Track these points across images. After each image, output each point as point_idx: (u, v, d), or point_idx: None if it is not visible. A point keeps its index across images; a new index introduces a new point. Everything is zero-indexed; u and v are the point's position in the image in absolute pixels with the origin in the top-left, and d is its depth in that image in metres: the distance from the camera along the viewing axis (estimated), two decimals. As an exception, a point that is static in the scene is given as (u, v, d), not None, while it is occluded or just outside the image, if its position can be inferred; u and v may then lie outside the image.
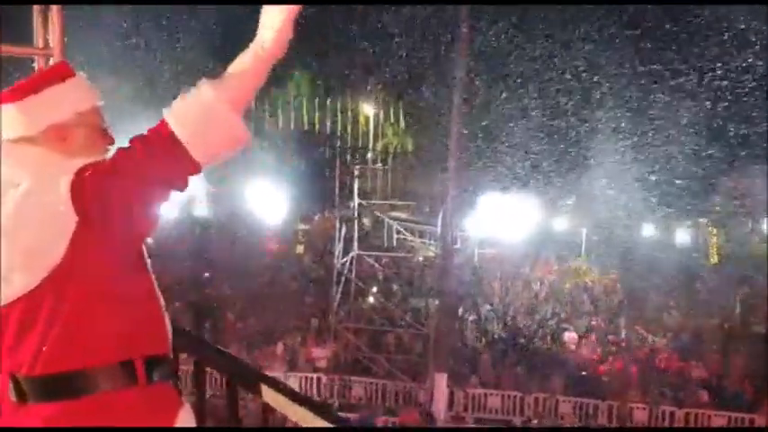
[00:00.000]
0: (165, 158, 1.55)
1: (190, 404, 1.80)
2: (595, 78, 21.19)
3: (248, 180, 21.30)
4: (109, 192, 1.52)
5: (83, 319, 1.56)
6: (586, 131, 21.83)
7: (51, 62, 2.95)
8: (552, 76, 22.12)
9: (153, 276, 1.73)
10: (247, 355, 14.94)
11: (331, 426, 1.73)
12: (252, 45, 1.63)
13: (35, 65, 3.11)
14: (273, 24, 1.60)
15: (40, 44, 3.00)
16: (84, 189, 1.52)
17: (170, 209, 21.73)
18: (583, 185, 21.37)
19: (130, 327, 1.62)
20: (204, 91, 1.58)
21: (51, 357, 1.55)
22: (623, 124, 21.01)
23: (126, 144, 1.58)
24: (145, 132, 1.59)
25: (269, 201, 20.71)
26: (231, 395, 2.08)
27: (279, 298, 17.98)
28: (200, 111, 1.57)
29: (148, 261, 1.73)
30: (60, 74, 1.71)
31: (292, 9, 1.61)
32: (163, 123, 1.57)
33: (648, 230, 21.77)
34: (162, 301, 1.74)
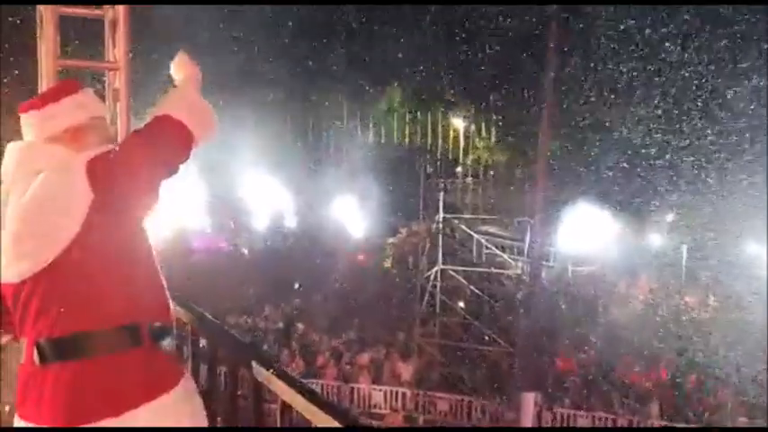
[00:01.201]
0: (163, 134, 1.87)
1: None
2: (697, 90, 20.19)
3: (337, 193, 21.71)
4: (118, 170, 1.80)
5: (94, 287, 1.79)
6: (683, 145, 20.80)
7: (118, 76, 3.15)
8: (649, 88, 21.29)
9: (154, 252, 1.96)
10: (335, 366, 15.15)
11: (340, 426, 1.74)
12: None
13: (105, 78, 3.32)
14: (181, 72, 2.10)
15: (110, 58, 3.20)
16: (99, 169, 1.78)
17: (261, 220, 22.59)
18: (683, 200, 20.33)
19: (135, 294, 1.85)
20: (178, 87, 2.04)
21: (67, 321, 1.77)
22: (725, 137, 19.86)
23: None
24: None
25: (357, 214, 21.00)
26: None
27: (365, 311, 18.14)
28: (178, 96, 1.98)
29: (148, 238, 1.95)
30: (74, 87, 2.03)
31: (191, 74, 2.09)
32: (154, 115, 1.91)
33: (752, 249, 20.38)
34: (162, 275, 1.96)
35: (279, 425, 2.01)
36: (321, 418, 1.76)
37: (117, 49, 3.10)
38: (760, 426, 12.70)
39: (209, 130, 1.99)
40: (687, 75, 20.68)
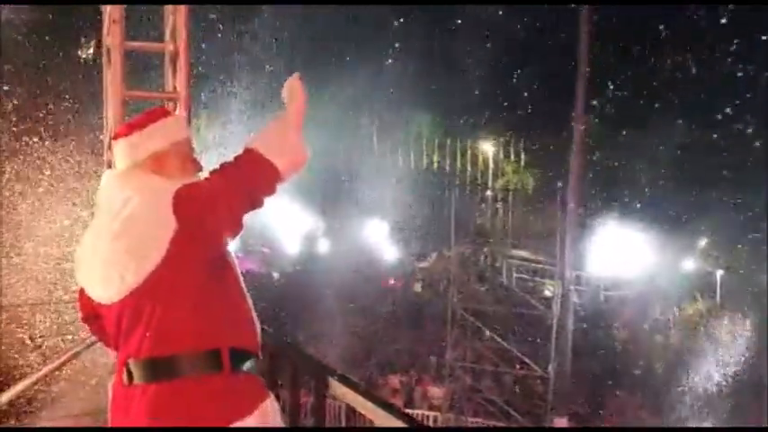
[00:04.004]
0: (251, 172, 1.90)
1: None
2: (728, 111, 20.06)
3: (367, 217, 21.90)
4: (204, 201, 1.84)
5: (177, 312, 1.85)
6: (718, 166, 20.62)
7: (178, 106, 3.38)
8: (682, 110, 21.22)
9: (241, 278, 2.02)
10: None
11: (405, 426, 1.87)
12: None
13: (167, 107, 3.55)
14: (290, 118, 2.04)
15: (171, 89, 3.43)
16: (183, 199, 1.83)
17: (292, 244, 22.84)
18: (716, 225, 20.09)
19: (218, 319, 1.89)
20: (275, 122, 2.02)
21: (152, 344, 1.84)
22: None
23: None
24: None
25: (387, 238, 21.13)
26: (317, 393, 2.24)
27: (396, 334, 18.20)
28: (274, 129, 2.00)
29: (236, 264, 2.02)
30: (161, 113, 2.13)
31: (298, 105, 2.04)
32: (246, 148, 1.95)
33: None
34: (249, 301, 2.01)
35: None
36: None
37: (177, 81, 3.35)
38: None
39: (299, 170, 2.00)
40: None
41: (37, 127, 7.56)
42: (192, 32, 3.31)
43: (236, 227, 1.88)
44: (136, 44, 3.46)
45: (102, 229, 1.92)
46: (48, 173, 7.35)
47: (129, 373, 1.88)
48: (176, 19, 3.28)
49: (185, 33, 3.26)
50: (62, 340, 6.68)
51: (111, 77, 3.33)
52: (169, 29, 3.38)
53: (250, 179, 1.89)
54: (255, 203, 1.90)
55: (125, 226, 1.86)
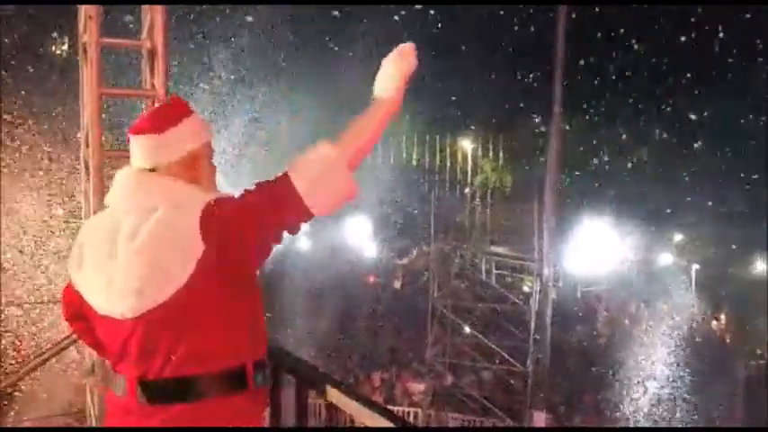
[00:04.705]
0: (283, 207, 1.76)
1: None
2: (703, 111, 20.37)
3: (348, 215, 21.87)
4: (232, 229, 1.71)
5: (204, 333, 1.74)
6: (688, 163, 20.94)
7: (156, 104, 3.35)
8: (652, 108, 21.50)
9: (260, 291, 1.91)
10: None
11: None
12: (372, 106, 1.90)
13: (143, 106, 3.53)
14: (391, 85, 1.89)
15: (149, 87, 3.41)
16: (212, 223, 1.70)
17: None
18: (690, 219, 20.41)
19: (243, 337, 1.82)
20: (326, 152, 1.83)
21: (177, 365, 1.72)
22: (729, 155, 20.00)
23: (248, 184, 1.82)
24: (269, 179, 1.81)
25: (367, 235, 21.14)
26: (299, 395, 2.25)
27: (376, 331, 18.25)
28: (320, 169, 1.80)
29: (258, 277, 1.90)
30: (186, 107, 1.91)
31: (408, 68, 1.90)
32: (286, 176, 1.79)
33: (761, 267, 20.42)
34: (263, 310, 1.93)
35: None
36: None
37: (156, 79, 3.32)
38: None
39: (337, 202, 1.84)
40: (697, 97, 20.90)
41: (12, 123, 7.46)
42: (169, 29, 3.29)
43: (263, 256, 1.79)
44: (113, 41, 3.43)
45: (122, 238, 1.74)
46: (24, 168, 7.26)
47: (146, 392, 1.75)
48: (153, 16, 3.26)
49: (163, 31, 3.24)
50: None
51: (88, 74, 3.29)
52: (146, 26, 3.36)
53: (280, 216, 1.77)
54: (280, 239, 1.80)
55: (150, 240, 1.71)
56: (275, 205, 1.75)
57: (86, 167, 3.37)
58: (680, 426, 13.76)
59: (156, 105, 1.99)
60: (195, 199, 1.75)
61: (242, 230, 1.72)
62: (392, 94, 1.89)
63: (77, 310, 1.89)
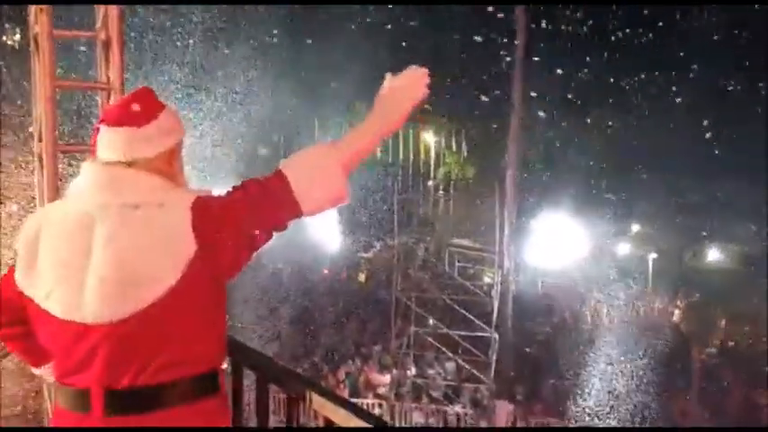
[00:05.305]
0: (275, 204, 1.72)
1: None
2: (654, 99, 20.84)
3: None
4: (227, 228, 1.65)
5: (186, 337, 1.66)
6: (650, 154, 21.39)
7: (112, 96, 3.28)
8: (611, 98, 21.90)
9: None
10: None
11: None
12: (371, 117, 1.83)
13: (98, 98, 3.45)
14: (400, 110, 1.83)
15: (104, 79, 3.34)
16: (206, 222, 1.63)
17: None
18: (648, 210, 20.89)
19: (218, 341, 1.76)
20: (322, 151, 1.78)
21: (155, 370, 1.62)
22: (687, 146, 20.51)
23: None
24: (259, 177, 1.75)
25: (330, 229, 21.09)
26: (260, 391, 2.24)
27: (341, 325, 18.25)
28: (315, 168, 1.75)
29: None
30: (160, 101, 1.80)
31: (419, 97, 1.84)
32: (279, 173, 1.74)
33: (714, 256, 21.06)
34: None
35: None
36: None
37: (111, 70, 3.25)
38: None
39: (328, 203, 1.80)
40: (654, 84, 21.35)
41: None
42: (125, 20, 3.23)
43: (250, 255, 1.73)
44: (66, 32, 3.35)
45: (100, 236, 1.61)
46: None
47: (114, 403, 1.62)
48: (108, 6, 3.19)
49: (118, 21, 3.17)
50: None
51: (40, 66, 3.20)
52: (101, 16, 3.29)
53: (273, 212, 1.73)
54: (271, 236, 1.76)
55: (136, 240, 1.61)
56: (268, 202, 1.71)
57: (40, 161, 3.28)
58: (665, 426, 14.06)
59: (128, 96, 1.84)
60: (180, 197, 1.67)
61: (236, 229, 1.67)
62: (396, 119, 1.83)
63: (17, 314, 1.71)
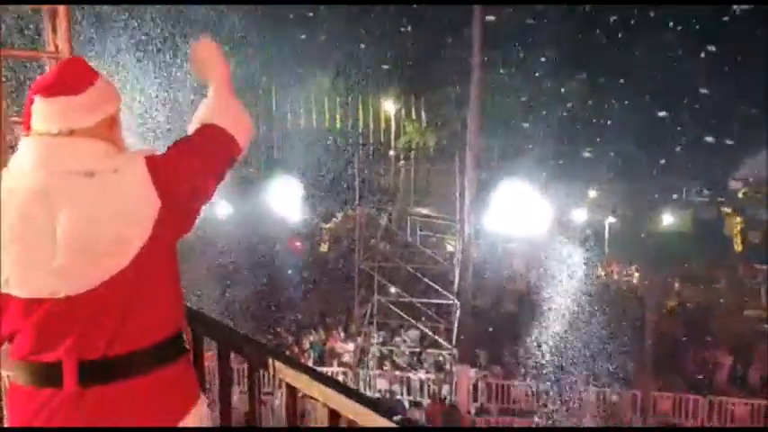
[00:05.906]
0: (218, 146, 1.83)
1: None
2: (616, 69, 21.08)
3: (270, 179, 21.59)
4: (182, 178, 1.70)
5: (156, 301, 1.68)
6: (606, 121, 21.73)
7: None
8: (574, 68, 22.08)
9: None
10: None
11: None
12: (211, 86, 1.96)
13: (47, 68, 3.34)
14: (210, 67, 1.97)
15: (51, 48, 3.23)
16: (164, 177, 1.65)
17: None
18: (604, 176, 21.29)
19: (180, 302, 1.80)
20: (223, 97, 1.93)
21: (126, 338, 1.62)
22: (641, 112, 20.90)
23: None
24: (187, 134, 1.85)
25: (292, 200, 20.98)
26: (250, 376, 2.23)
27: (303, 295, 18.28)
28: (231, 108, 1.91)
29: None
30: (93, 69, 1.77)
31: (201, 54, 1.97)
32: (208, 125, 1.85)
33: (668, 220, 21.66)
34: None
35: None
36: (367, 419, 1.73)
37: (59, 39, 3.15)
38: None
39: (249, 137, 1.93)
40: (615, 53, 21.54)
41: None
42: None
43: (207, 201, 1.80)
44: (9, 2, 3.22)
45: (60, 207, 1.56)
46: None
47: (87, 375, 1.60)
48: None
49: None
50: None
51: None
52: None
53: (218, 154, 1.82)
54: (222, 178, 1.83)
55: (99, 209, 1.58)
56: (213, 146, 1.81)
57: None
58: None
59: (59, 64, 1.82)
60: (131, 159, 1.66)
61: (192, 178, 1.72)
62: (222, 69, 1.96)
63: None
